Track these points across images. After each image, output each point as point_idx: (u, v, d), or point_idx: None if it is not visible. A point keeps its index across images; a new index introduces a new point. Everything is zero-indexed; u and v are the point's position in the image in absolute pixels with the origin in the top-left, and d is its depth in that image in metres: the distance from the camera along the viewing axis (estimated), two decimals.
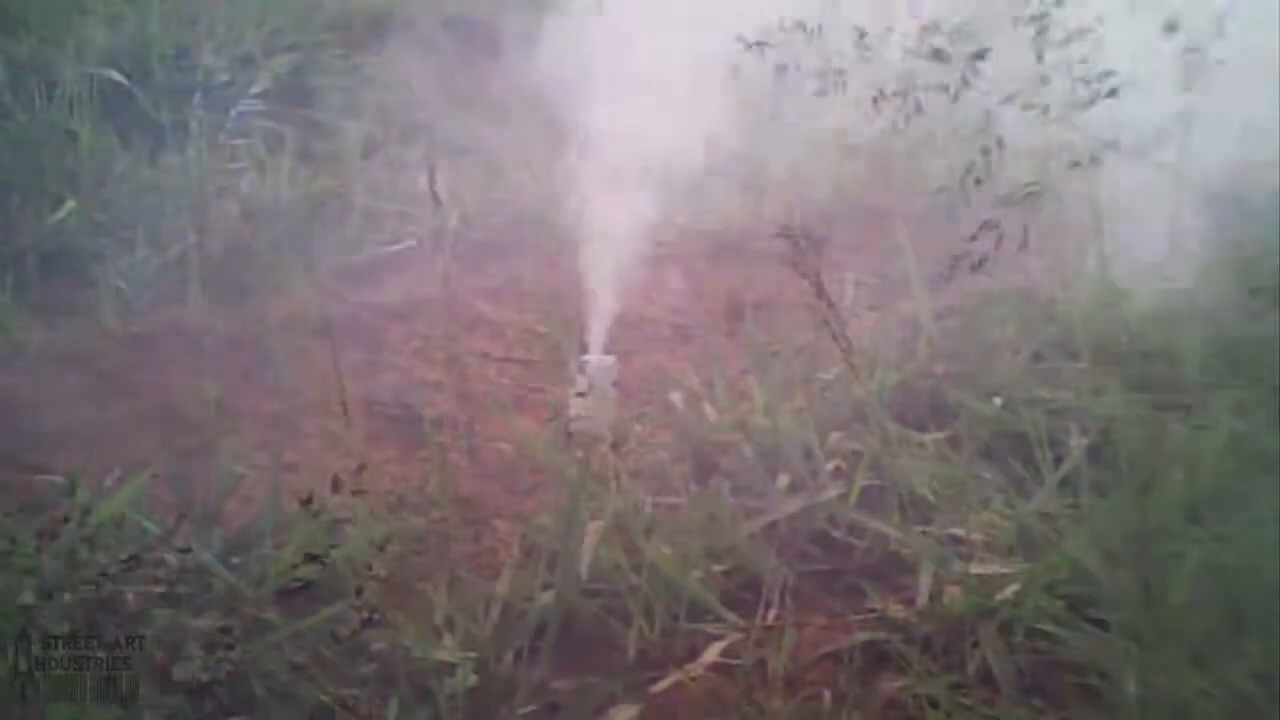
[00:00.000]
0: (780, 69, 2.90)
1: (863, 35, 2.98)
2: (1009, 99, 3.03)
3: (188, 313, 3.51)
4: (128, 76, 4.32)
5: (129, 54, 4.49)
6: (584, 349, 3.17)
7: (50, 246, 3.65)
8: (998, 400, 3.00)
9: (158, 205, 3.86)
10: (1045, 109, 3.01)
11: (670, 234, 3.71)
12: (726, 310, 3.57)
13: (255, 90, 4.46)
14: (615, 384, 3.08)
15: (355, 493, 2.40)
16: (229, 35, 4.80)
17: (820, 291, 2.47)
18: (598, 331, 3.19)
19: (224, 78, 4.56)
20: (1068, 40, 3.07)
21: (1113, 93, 3.02)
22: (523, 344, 3.56)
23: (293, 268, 3.68)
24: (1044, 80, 3.03)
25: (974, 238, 2.76)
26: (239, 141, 4.23)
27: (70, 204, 3.76)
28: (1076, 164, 3.01)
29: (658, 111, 3.22)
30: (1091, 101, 3.00)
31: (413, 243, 3.98)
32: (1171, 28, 3.18)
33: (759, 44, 2.77)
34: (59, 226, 3.72)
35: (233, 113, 4.28)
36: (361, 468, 2.45)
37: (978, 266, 2.77)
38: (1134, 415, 2.90)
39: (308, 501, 2.35)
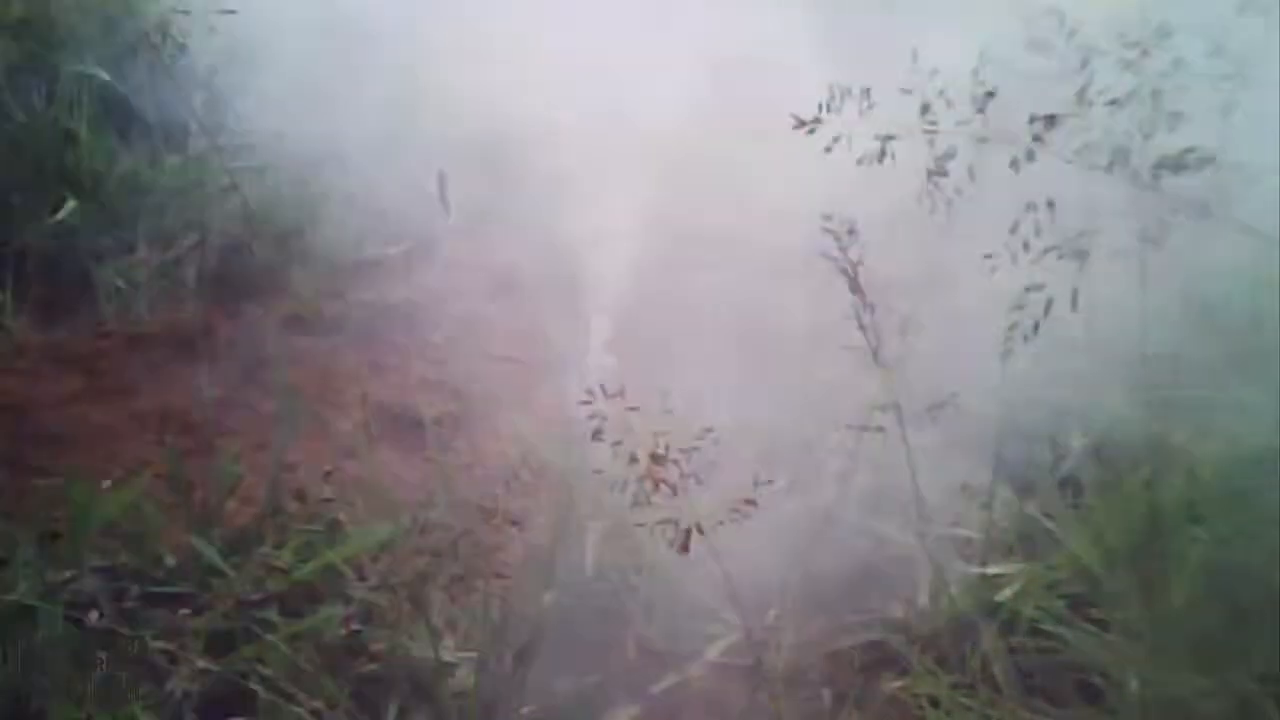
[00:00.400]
0: (829, 147, 2.78)
1: (926, 109, 2.87)
2: (1078, 158, 2.95)
3: (188, 313, 3.51)
4: (128, 76, 4.32)
5: (129, 54, 4.48)
6: (584, 349, 3.17)
7: (50, 246, 3.64)
8: (998, 400, 3.00)
9: (158, 205, 3.86)
10: (1133, 175, 2.93)
11: (671, 234, 3.71)
12: (727, 310, 3.56)
13: (256, 90, 4.45)
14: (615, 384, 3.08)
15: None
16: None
17: (854, 284, 2.46)
18: (598, 331, 3.19)
19: (225, 77, 4.55)
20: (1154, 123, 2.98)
21: (1186, 167, 2.95)
22: (523, 344, 3.56)
23: (293, 268, 3.67)
24: (1119, 153, 2.96)
25: (1021, 306, 2.72)
26: (239, 142, 4.23)
27: (70, 204, 3.76)
28: (1154, 237, 2.95)
29: (662, 113, 3.22)
30: (1171, 173, 2.92)
31: (412, 243, 3.98)
32: None
33: (815, 122, 2.68)
34: (59, 226, 3.72)
35: (233, 112, 4.27)
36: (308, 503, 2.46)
37: (1033, 334, 2.73)
38: (1134, 415, 2.90)
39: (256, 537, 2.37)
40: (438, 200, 3.27)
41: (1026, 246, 2.75)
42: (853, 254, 2.50)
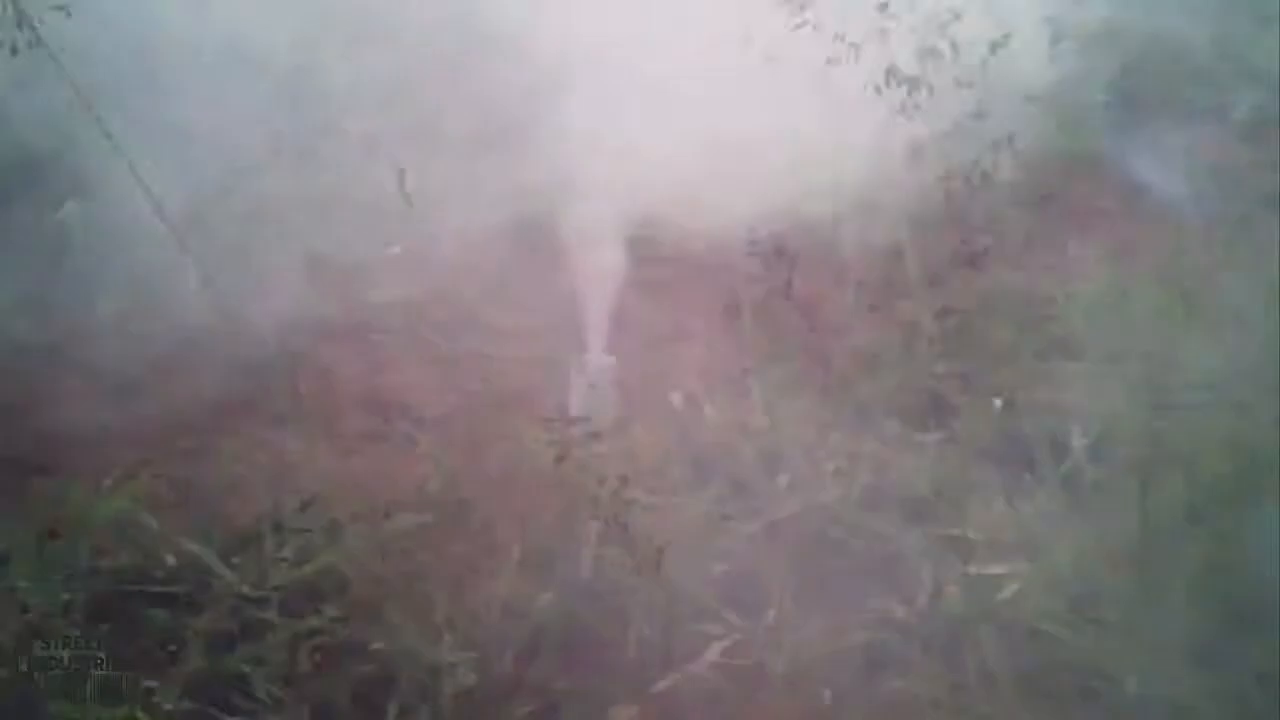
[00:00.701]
0: (799, 25, 2.83)
1: (884, 5, 2.94)
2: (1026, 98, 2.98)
3: (188, 312, 3.51)
4: (128, 76, 4.32)
5: (130, 54, 4.48)
6: (584, 349, 3.17)
7: (50, 247, 3.64)
8: (998, 400, 3.00)
9: (158, 205, 3.86)
10: (1063, 110, 2.96)
11: (671, 233, 3.71)
12: (726, 310, 3.56)
13: (258, 90, 4.45)
14: (615, 384, 3.08)
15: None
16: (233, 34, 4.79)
17: (794, 304, 2.48)
18: (597, 331, 3.19)
19: (228, 76, 4.55)
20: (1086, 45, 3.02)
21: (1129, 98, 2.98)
22: (523, 344, 3.56)
23: (293, 268, 3.67)
24: (1061, 81, 2.99)
25: (975, 244, 2.73)
26: (239, 141, 4.23)
27: (70, 204, 3.76)
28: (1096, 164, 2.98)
29: (658, 107, 3.22)
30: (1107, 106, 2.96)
31: (411, 243, 3.97)
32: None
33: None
34: (59, 226, 3.72)
35: (234, 113, 4.27)
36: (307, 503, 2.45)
37: (981, 258, 2.74)
38: (1134, 415, 2.90)
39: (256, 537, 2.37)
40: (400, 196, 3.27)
41: (985, 176, 2.78)
42: (781, 273, 2.51)
